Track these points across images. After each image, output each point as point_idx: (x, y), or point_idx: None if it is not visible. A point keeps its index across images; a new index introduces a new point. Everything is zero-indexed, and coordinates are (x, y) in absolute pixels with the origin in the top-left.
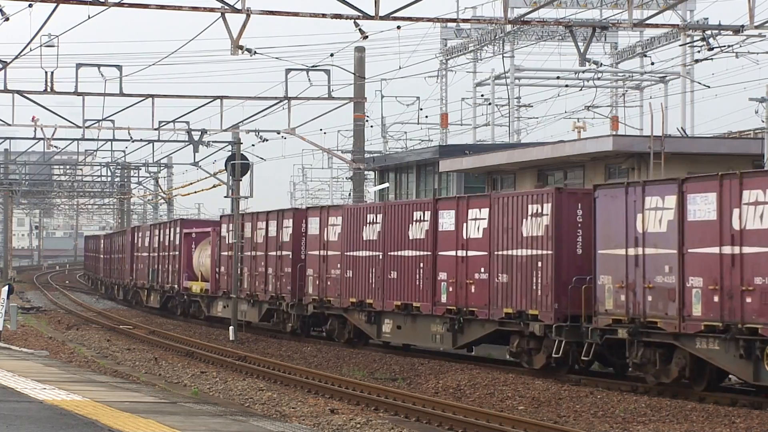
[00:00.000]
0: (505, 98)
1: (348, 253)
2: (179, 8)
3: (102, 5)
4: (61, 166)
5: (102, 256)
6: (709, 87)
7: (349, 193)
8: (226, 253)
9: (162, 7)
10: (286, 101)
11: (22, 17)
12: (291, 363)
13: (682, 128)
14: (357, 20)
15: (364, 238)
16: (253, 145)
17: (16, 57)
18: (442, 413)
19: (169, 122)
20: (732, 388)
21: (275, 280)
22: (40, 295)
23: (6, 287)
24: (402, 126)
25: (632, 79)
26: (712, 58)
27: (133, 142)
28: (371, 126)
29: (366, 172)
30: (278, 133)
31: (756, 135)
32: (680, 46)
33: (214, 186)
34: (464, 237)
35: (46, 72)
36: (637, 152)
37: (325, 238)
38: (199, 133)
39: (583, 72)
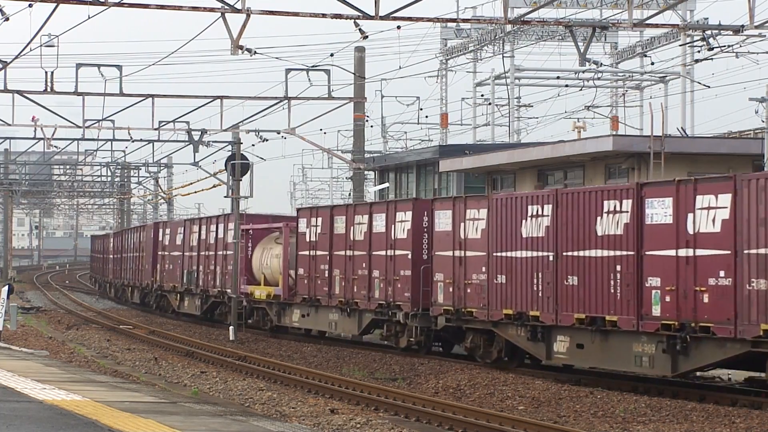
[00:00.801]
0: (505, 98)
1: (499, 254)
2: (179, 8)
3: (102, 5)
4: (61, 166)
5: (112, 256)
6: (709, 87)
7: (349, 193)
8: (306, 253)
9: (162, 7)
10: (286, 101)
11: (22, 17)
12: (291, 363)
13: (682, 128)
14: (357, 20)
15: (524, 235)
16: (253, 145)
17: (16, 57)
18: (442, 413)
19: (169, 122)
20: (732, 388)
21: (384, 285)
22: (40, 295)
23: (6, 287)
24: (402, 126)
25: (632, 79)
26: (712, 58)
27: (133, 142)
28: (371, 126)
29: (366, 172)
30: (278, 133)
31: (756, 135)
32: (680, 46)
33: (214, 186)
34: (689, 232)
35: (46, 72)
36: (637, 152)
37: (462, 236)
38: (199, 133)
39: (583, 72)
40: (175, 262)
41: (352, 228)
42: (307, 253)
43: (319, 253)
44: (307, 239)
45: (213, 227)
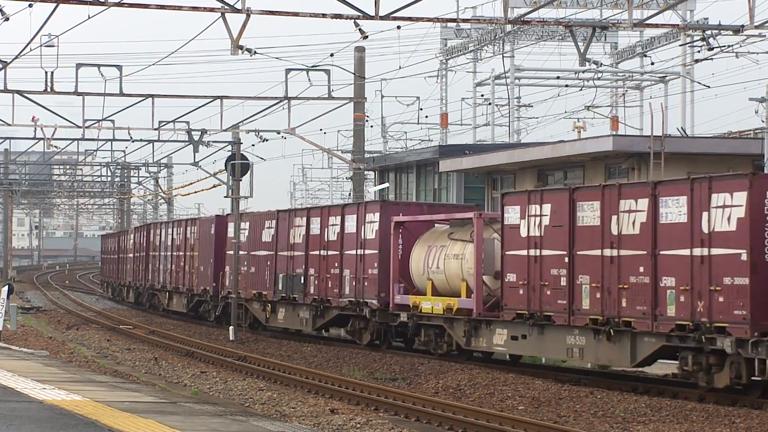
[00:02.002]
0: (505, 98)
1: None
2: (179, 8)
3: (102, 5)
4: (61, 166)
5: (131, 255)
6: (709, 87)
7: (349, 193)
8: (524, 253)
9: (162, 7)
10: (286, 101)
11: (22, 17)
12: (291, 363)
13: (682, 128)
14: (357, 20)
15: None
16: (253, 145)
17: (16, 57)
18: (442, 413)
19: (169, 122)
20: (732, 387)
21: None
22: (40, 295)
23: (6, 287)
24: (402, 126)
25: (632, 79)
26: (712, 58)
27: (133, 142)
28: (371, 126)
29: (366, 172)
30: (278, 133)
31: (756, 135)
32: (680, 46)
33: (214, 186)
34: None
35: (46, 72)
36: (637, 152)
37: None
38: (199, 133)
39: (583, 72)
40: (258, 264)
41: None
42: (525, 253)
43: (539, 253)
44: (525, 234)
45: (335, 219)
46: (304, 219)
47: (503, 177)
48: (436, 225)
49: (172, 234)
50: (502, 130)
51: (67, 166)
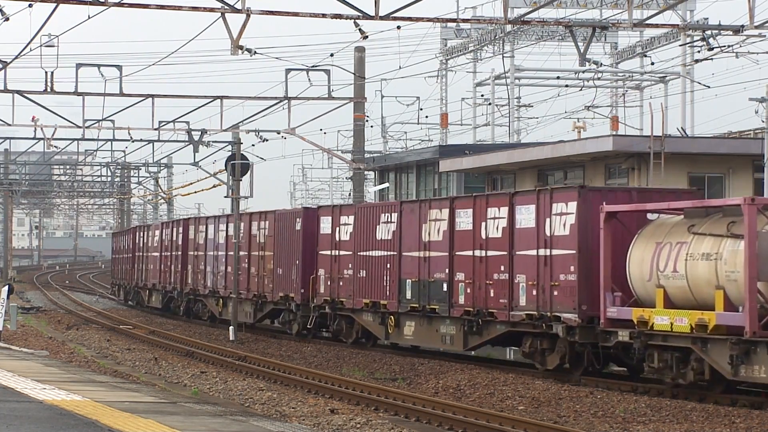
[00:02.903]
0: (505, 98)
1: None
2: (179, 8)
3: (102, 5)
4: (61, 166)
5: (157, 254)
6: (709, 87)
7: (349, 193)
8: None
9: (162, 7)
10: (286, 101)
11: (22, 17)
12: (291, 363)
13: (682, 128)
14: (357, 20)
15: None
16: (253, 145)
17: (16, 57)
18: (442, 413)
19: (169, 122)
20: (732, 388)
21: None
22: (40, 295)
23: (6, 287)
24: (402, 126)
25: (632, 79)
26: (712, 58)
27: (133, 142)
28: (371, 126)
29: (366, 172)
30: (278, 133)
31: (756, 135)
32: (680, 46)
33: (214, 186)
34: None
35: (46, 72)
36: (637, 152)
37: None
38: (199, 133)
39: (583, 72)
40: (371, 267)
41: None
42: None
43: None
44: None
45: (497, 211)
46: (446, 211)
47: (503, 177)
48: (659, 216)
49: (227, 230)
50: (502, 130)
51: (67, 166)
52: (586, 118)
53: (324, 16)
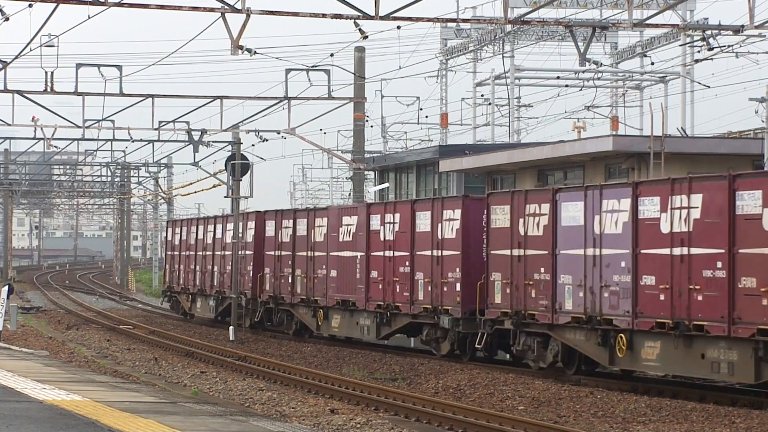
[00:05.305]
0: (505, 98)
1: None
2: (179, 8)
3: (102, 5)
4: (61, 166)
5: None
6: (709, 87)
7: (349, 193)
8: None
9: (162, 7)
10: (286, 101)
11: (22, 17)
12: (291, 363)
13: (682, 128)
14: (357, 20)
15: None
16: (253, 145)
17: (16, 57)
18: (442, 413)
19: (169, 122)
20: (732, 388)
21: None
22: (40, 295)
23: (6, 287)
24: (402, 126)
25: (632, 79)
26: (712, 58)
27: (133, 142)
28: (371, 126)
29: (366, 172)
30: (278, 133)
31: (756, 135)
32: (680, 46)
33: (214, 186)
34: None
35: (46, 72)
36: (637, 152)
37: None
38: (199, 133)
39: (583, 72)
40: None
41: None
42: None
43: None
44: None
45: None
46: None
47: (503, 177)
48: None
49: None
50: (502, 130)
51: (67, 166)
52: (586, 118)
53: (324, 16)
